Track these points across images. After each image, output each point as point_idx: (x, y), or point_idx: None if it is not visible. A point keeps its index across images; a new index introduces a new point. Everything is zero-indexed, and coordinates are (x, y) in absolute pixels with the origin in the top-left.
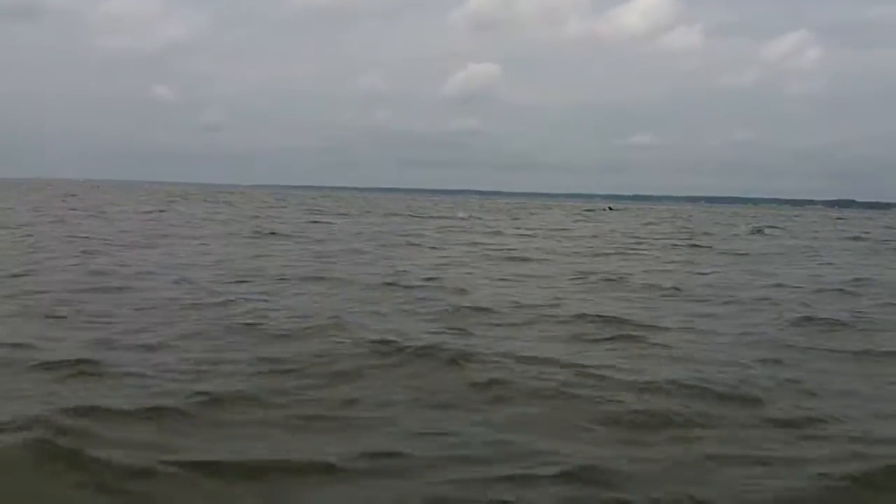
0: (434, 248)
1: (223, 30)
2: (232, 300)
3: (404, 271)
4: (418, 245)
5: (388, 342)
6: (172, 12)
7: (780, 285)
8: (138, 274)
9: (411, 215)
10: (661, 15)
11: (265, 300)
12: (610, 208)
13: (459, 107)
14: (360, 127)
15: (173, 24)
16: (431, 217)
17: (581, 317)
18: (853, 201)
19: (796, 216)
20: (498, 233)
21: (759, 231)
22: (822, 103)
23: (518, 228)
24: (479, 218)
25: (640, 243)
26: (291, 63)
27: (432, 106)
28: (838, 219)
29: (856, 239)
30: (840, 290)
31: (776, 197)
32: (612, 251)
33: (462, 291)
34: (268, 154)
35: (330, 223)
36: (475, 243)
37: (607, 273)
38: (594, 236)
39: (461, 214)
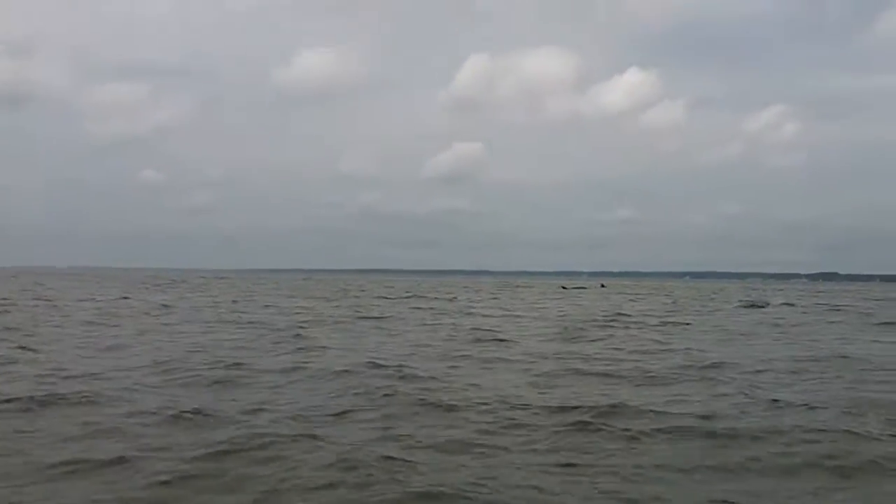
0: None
1: (211, 112)
2: None
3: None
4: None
5: None
6: (161, 96)
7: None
8: None
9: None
10: (642, 92)
11: None
12: (602, 285)
13: (444, 187)
14: (347, 207)
15: (162, 108)
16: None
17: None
18: (836, 273)
19: (780, 290)
20: (476, 314)
21: (753, 305)
22: (803, 176)
23: (503, 308)
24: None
25: (613, 322)
26: (278, 144)
27: (417, 186)
28: (819, 292)
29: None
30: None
31: (760, 271)
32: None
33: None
34: (256, 237)
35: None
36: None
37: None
38: (562, 315)
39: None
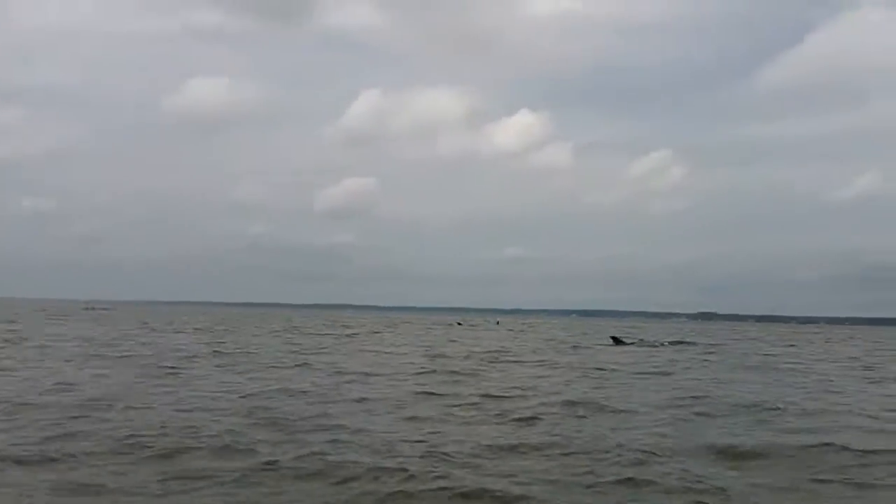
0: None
1: (100, 139)
2: None
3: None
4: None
5: None
6: (47, 122)
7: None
8: None
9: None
10: (533, 133)
11: None
12: (498, 322)
13: (336, 220)
14: (237, 239)
15: (47, 133)
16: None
17: None
18: (714, 314)
19: (660, 328)
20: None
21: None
22: (686, 220)
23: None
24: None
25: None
26: (168, 173)
27: (308, 219)
28: (690, 331)
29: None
30: None
31: (643, 310)
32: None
33: None
34: (144, 267)
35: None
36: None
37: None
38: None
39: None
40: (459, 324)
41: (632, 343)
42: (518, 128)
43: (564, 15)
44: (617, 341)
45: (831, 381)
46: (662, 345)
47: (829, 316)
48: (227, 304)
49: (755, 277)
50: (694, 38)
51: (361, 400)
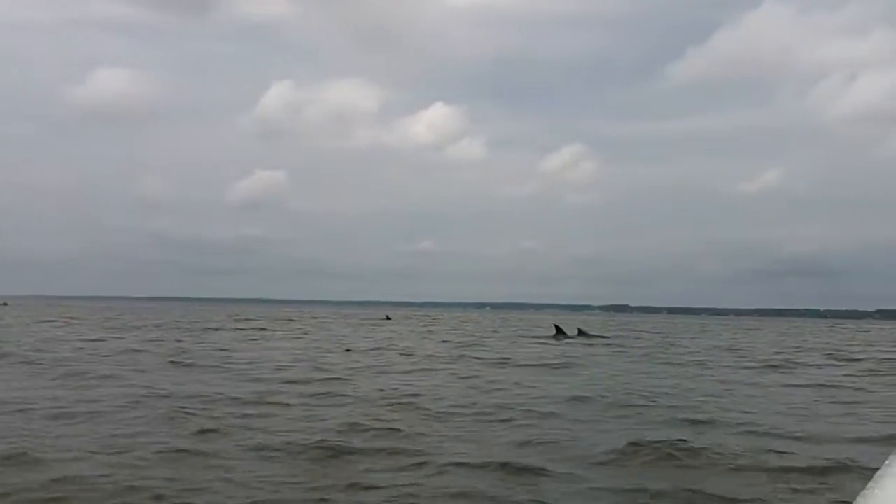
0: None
1: None
2: None
3: None
4: None
5: None
6: None
7: None
8: None
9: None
10: (447, 126)
11: None
12: (388, 317)
13: (247, 213)
14: (144, 233)
15: None
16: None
17: None
18: (627, 306)
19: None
20: None
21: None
22: (597, 213)
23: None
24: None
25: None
26: (72, 166)
27: (219, 212)
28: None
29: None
30: None
31: (557, 303)
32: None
33: None
34: (45, 261)
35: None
36: None
37: None
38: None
39: None
40: (388, 318)
41: (572, 336)
42: (432, 121)
43: (477, 7)
44: (559, 331)
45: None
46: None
47: (738, 308)
48: (134, 299)
49: (666, 270)
50: (605, 33)
51: None
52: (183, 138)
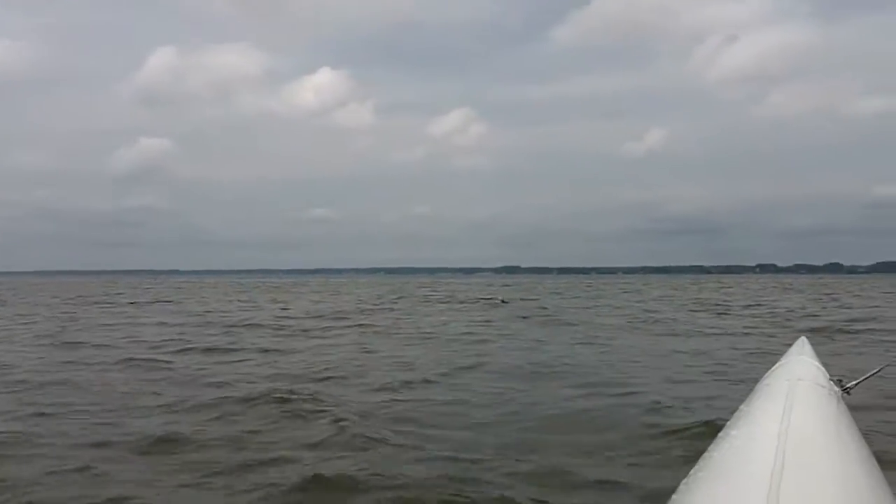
0: None
1: None
2: None
3: None
4: None
5: None
6: None
7: None
8: None
9: None
10: (334, 92)
11: None
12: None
13: (132, 184)
14: (21, 206)
15: None
16: None
17: None
18: (518, 267)
19: (465, 283)
20: None
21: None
22: (487, 177)
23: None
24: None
25: None
26: None
27: (102, 183)
28: (504, 285)
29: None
30: None
31: (450, 266)
32: None
33: None
34: None
35: None
36: None
37: None
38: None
39: None
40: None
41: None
42: (318, 86)
43: None
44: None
45: None
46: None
47: (626, 266)
48: (10, 273)
49: (556, 231)
50: None
51: None
52: (62, 108)
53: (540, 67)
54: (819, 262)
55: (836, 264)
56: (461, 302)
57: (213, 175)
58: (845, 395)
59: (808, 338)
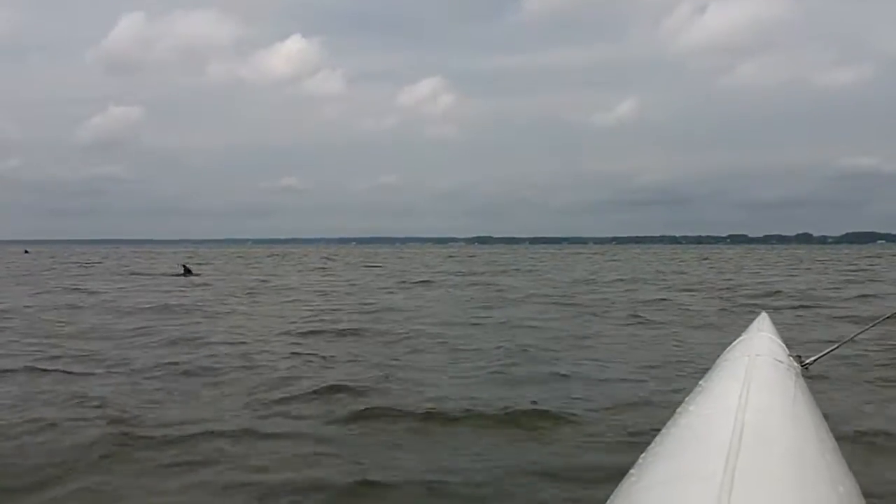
0: None
1: None
2: None
3: None
4: None
5: None
6: None
7: None
8: None
9: None
10: (304, 60)
11: None
12: (27, 251)
13: (100, 152)
14: None
15: None
16: None
17: None
18: (490, 237)
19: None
20: None
21: None
22: (456, 146)
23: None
24: None
25: None
26: None
27: (70, 152)
28: (471, 256)
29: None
30: None
31: (421, 236)
32: None
33: None
34: None
35: None
36: None
37: None
38: None
39: None
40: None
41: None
42: (289, 54)
43: None
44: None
45: None
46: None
47: (596, 237)
48: None
49: (527, 201)
50: None
51: None
52: (27, 76)
53: (511, 37)
54: (790, 233)
55: (807, 234)
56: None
57: (183, 143)
58: (804, 370)
59: (768, 314)
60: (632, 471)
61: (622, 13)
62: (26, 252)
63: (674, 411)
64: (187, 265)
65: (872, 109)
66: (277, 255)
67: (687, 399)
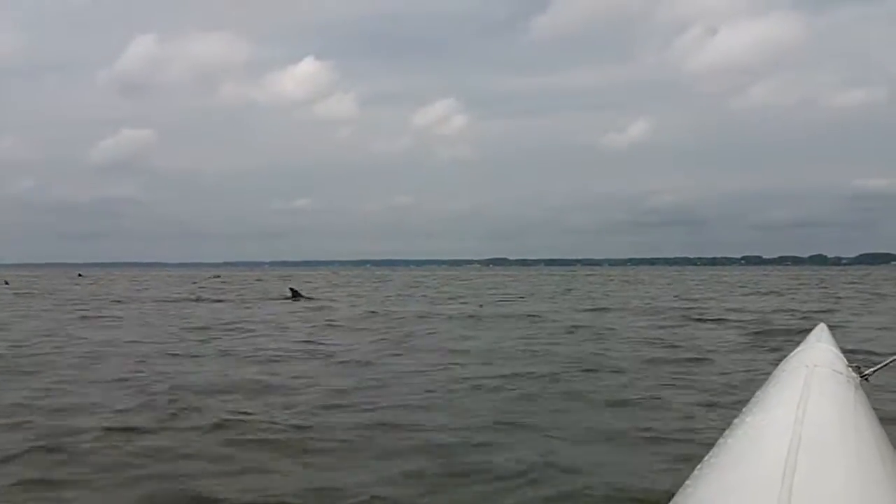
0: None
1: None
2: None
3: None
4: None
5: None
6: None
7: None
8: None
9: None
10: (316, 83)
11: None
12: (6, 283)
13: (111, 174)
14: (4, 196)
15: None
16: None
17: None
18: (506, 259)
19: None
20: None
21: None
22: (471, 168)
23: None
24: None
25: None
26: None
27: (83, 174)
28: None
29: None
30: None
31: (437, 258)
32: None
33: None
34: None
35: None
36: None
37: None
38: None
39: None
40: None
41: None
42: (302, 77)
43: None
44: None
45: None
46: None
47: (611, 258)
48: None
49: (542, 223)
50: None
51: None
52: (41, 97)
53: (523, 58)
54: (803, 254)
55: (821, 256)
56: None
57: (196, 165)
58: (864, 381)
59: (827, 325)
60: (687, 482)
61: (634, 34)
62: (80, 276)
63: (730, 422)
64: (294, 288)
65: (886, 130)
66: (339, 276)
67: (744, 410)
